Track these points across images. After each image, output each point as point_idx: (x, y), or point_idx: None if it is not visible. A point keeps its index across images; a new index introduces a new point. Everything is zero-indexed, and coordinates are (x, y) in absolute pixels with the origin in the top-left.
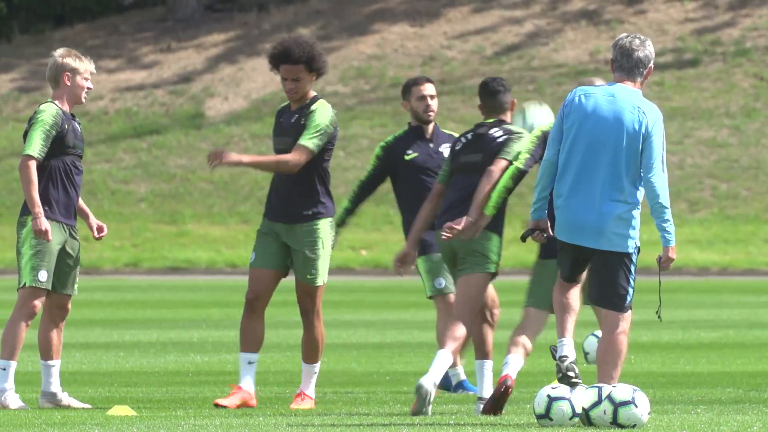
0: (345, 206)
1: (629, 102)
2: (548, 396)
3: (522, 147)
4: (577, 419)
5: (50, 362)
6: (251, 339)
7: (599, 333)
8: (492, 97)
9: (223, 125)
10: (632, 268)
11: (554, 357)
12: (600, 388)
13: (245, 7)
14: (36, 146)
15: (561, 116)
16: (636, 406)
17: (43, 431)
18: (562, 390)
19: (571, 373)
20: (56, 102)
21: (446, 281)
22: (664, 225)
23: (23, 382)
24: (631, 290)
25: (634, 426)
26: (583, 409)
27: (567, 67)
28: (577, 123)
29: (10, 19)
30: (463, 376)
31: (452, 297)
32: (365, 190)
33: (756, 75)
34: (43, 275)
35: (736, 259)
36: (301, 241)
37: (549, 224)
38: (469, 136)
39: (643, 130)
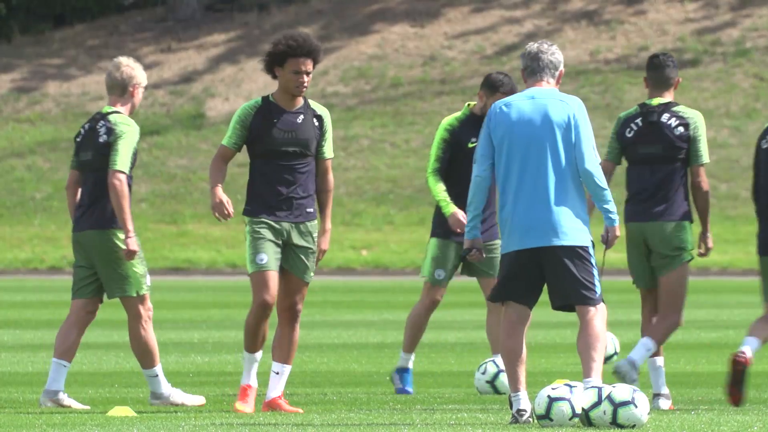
0: (445, 189)
1: (551, 98)
2: (548, 396)
3: (701, 134)
4: (577, 420)
5: (63, 361)
6: (261, 339)
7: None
8: (658, 70)
9: (224, 126)
10: (592, 261)
11: (511, 407)
12: (600, 389)
13: (246, 7)
14: (126, 162)
15: (488, 131)
16: (636, 407)
17: (43, 431)
18: (562, 390)
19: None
20: (122, 111)
21: (446, 274)
22: (606, 207)
23: (23, 383)
24: (597, 283)
25: (633, 426)
26: (583, 409)
27: (567, 67)
28: (507, 133)
29: (9, 19)
30: (409, 365)
31: (442, 291)
32: (442, 175)
33: (756, 75)
34: (149, 279)
35: (736, 259)
36: (306, 238)
37: (482, 244)
38: (639, 122)
39: (572, 121)
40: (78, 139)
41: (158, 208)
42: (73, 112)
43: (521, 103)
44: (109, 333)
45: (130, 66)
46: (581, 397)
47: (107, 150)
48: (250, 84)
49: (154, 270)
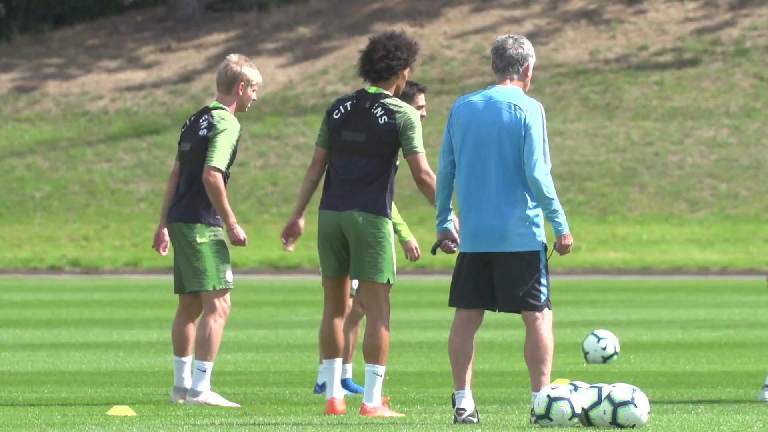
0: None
1: (505, 101)
2: (548, 396)
3: None
4: (576, 419)
5: (183, 358)
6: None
7: (599, 332)
8: None
9: None
10: (541, 266)
11: (453, 405)
12: (600, 389)
13: (245, 7)
14: (224, 160)
15: (447, 128)
16: (635, 406)
17: (43, 431)
18: (562, 390)
19: (467, 426)
20: (227, 108)
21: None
22: (552, 216)
23: (23, 382)
24: (544, 288)
25: (633, 426)
26: (583, 409)
27: (567, 67)
28: (461, 133)
29: (9, 19)
30: (348, 375)
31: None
32: None
33: (756, 75)
34: (229, 275)
35: (736, 258)
36: None
37: (456, 236)
38: None
39: (522, 127)
40: (183, 130)
41: (158, 208)
42: (72, 112)
43: (478, 103)
44: (108, 332)
45: (238, 64)
46: (581, 396)
47: (205, 144)
48: None
49: (154, 269)
